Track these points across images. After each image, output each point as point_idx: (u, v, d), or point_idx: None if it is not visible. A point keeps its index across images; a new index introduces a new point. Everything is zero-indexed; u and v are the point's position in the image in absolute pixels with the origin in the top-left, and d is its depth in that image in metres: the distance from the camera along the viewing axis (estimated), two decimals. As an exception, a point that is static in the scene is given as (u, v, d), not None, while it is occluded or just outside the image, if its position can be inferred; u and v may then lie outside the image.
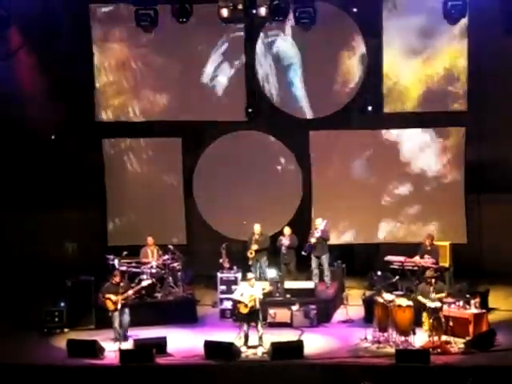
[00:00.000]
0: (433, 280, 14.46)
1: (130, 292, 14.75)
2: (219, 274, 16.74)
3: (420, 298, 14.43)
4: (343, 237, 19.22)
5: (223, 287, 16.61)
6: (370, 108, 18.71)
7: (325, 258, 17.02)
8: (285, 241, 16.97)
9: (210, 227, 19.64)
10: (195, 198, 19.74)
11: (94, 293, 16.04)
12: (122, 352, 14.01)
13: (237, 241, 18.65)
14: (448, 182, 18.86)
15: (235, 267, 16.89)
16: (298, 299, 16.02)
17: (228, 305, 16.34)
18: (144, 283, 15.33)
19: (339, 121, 19.10)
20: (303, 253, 16.77)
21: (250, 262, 16.93)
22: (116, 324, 14.66)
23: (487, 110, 18.21)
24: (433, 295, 14.25)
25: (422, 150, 18.98)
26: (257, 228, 17.16)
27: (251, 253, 16.92)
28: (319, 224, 17.02)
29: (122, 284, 14.83)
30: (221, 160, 19.66)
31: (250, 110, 19.19)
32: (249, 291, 14.51)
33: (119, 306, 14.60)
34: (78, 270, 17.46)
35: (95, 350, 14.17)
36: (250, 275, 14.88)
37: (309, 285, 16.55)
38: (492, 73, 17.82)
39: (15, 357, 14.37)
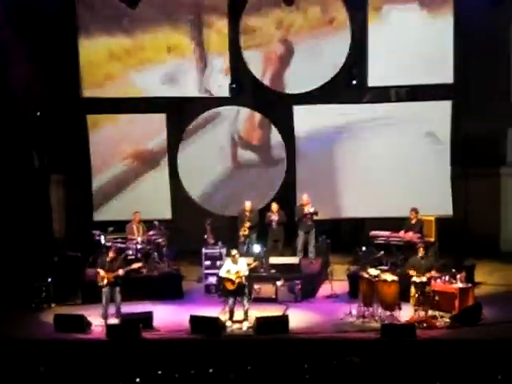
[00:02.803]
0: (422, 250, 14.57)
1: (121, 271, 14.68)
2: (204, 250, 16.74)
3: (410, 271, 14.49)
4: (328, 212, 19.19)
5: (208, 263, 16.63)
6: (354, 82, 18.66)
7: (312, 234, 17.09)
8: (274, 217, 16.98)
9: (194, 203, 19.61)
10: (180, 174, 19.68)
11: (80, 268, 16.07)
12: (109, 327, 14.08)
13: (221, 217, 18.66)
14: (434, 155, 18.84)
15: (220, 243, 16.89)
16: (282, 274, 16.04)
17: (213, 280, 16.37)
18: (135, 265, 15.25)
19: (324, 95, 19.03)
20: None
21: (242, 239, 16.90)
22: (104, 300, 14.63)
23: (474, 84, 18.20)
24: (422, 268, 14.34)
25: (408, 124, 18.91)
26: (247, 204, 17.13)
27: (245, 230, 16.88)
28: (306, 200, 17.04)
29: (115, 261, 14.78)
30: (205, 136, 19.60)
31: (233, 86, 19.10)
32: (234, 267, 14.52)
33: (105, 282, 14.56)
34: (64, 245, 17.47)
35: (82, 324, 14.21)
36: (233, 252, 14.85)
37: (293, 260, 16.60)
38: (479, 46, 17.80)
39: (3, 332, 14.38)
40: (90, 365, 12.46)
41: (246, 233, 16.90)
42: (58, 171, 19.26)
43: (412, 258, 14.93)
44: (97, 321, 14.53)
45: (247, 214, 17.02)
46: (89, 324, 14.34)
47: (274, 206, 17.17)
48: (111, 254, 14.84)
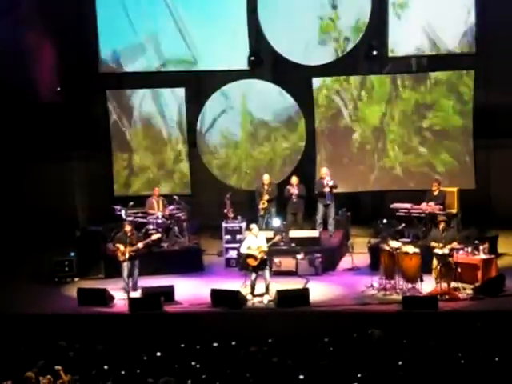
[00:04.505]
0: (443, 223, 14.41)
1: (140, 245, 14.74)
2: (224, 224, 16.76)
3: (433, 243, 14.34)
4: (348, 184, 19.10)
5: (228, 237, 16.68)
6: (374, 53, 18.44)
7: (332, 207, 16.96)
8: (294, 190, 16.88)
9: (214, 177, 19.58)
10: (199, 148, 19.64)
11: (102, 242, 16.19)
12: (131, 300, 14.17)
13: (241, 191, 18.63)
14: (456, 126, 18.63)
15: (239, 217, 16.92)
16: (302, 248, 16.01)
17: (233, 254, 16.40)
18: (154, 237, 15.31)
19: (343, 67, 18.88)
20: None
21: (262, 213, 16.88)
22: (124, 274, 14.70)
23: (496, 53, 17.93)
24: (443, 241, 14.22)
25: (429, 94, 18.70)
26: (266, 178, 17.10)
27: (264, 203, 16.85)
28: (325, 173, 16.95)
29: (132, 235, 14.81)
30: (224, 109, 19.50)
31: (252, 58, 18.98)
32: (255, 242, 14.44)
33: (127, 257, 14.62)
34: (86, 220, 17.56)
35: (105, 298, 14.33)
36: (252, 226, 14.80)
37: (313, 233, 16.54)
38: (501, 14, 17.52)
39: (27, 306, 14.52)
40: (112, 338, 12.52)
41: (265, 206, 16.85)
42: (80, 147, 19.30)
43: (433, 231, 14.80)
44: (119, 294, 14.62)
45: (266, 187, 16.96)
46: (111, 298, 14.44)
47: (294, 179, 17.08)
48: (127, 228, 14.83)
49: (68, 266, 16.00)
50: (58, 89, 18.79)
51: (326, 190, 16.70)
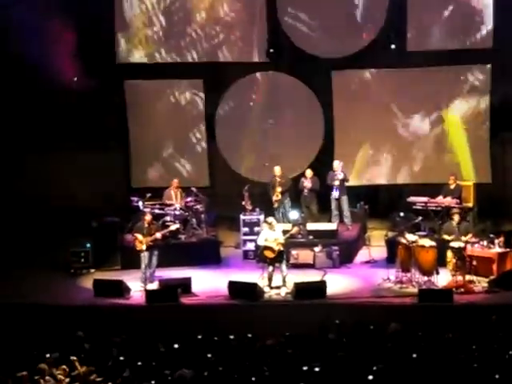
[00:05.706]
0: (458, 216, 14.38)
1: (158, 235, 14.83)
2: (242, 216, 16.80)
3: (445, 236, 14.36)
4: (366, 178, 19.12)
5: (246, 229, 16.72)
6: (393, 46, 18.41)
7: (344, 200, 16.95)
8: (307, 183, 16.91)
9: (232, 169, 19.62)
10: (217, 140, 19.67)
11: (119, 233, 16.25)
12: (148, 292, 14.22)
13: (259, 183, 18.65)
14: (472, 120, 18.62)
15: (257, 209, 16.95)
16: (320, 240, 16.05)
17: (251, 246, 16.43)
18: (172, 227, 15.42)
19: (362, 60, 18.81)
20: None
21: (276, 205, 16.91)
22: (143, 265, 14.77)
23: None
24: (457, 233, 14.20)
25: (445, 88, 18.67)
26: (277, 170, 17.14)
27: (277, 195, 16.90)
28: (337, 166, 16.95)
29: (151, 225, 14.93)
30: (242, 101, 19.53)
31: (271, 51, 18.99)
32: (272, 235, 14.48)
33: (144, 247, 14.70)
34: (102, 211, 17.65)
35: (121, 289, 14.39)
36: (269, 219, 14.84)
37: (331, 226, 16.57)
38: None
39: (43, 297, 14.60)
40: (129, 330, 12.59)
41: (279, 198, 16.88)
42: (97, 137, 19.37)
43: (446, 225, 14.79)
44: (136, 286, 14.70)
45: (278, 179, 17.01)
46: (128, 289, 14.51)
47: (308, 172, 17.11)
48: (147, 218, 14.95)
49: (84, 257, 16.05)
50: (75, 78, 18.86)
51: (336, 183, 16.70)
